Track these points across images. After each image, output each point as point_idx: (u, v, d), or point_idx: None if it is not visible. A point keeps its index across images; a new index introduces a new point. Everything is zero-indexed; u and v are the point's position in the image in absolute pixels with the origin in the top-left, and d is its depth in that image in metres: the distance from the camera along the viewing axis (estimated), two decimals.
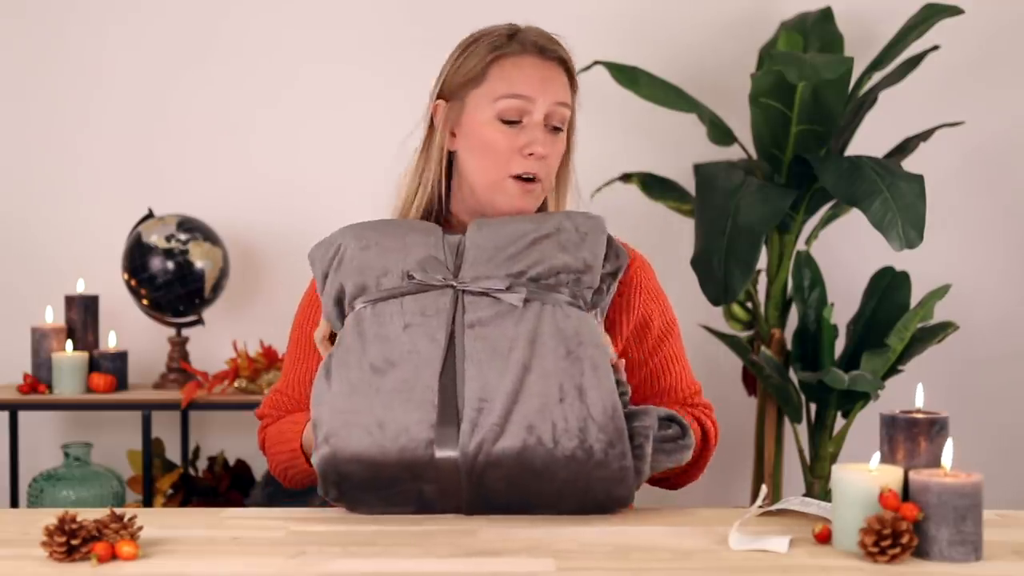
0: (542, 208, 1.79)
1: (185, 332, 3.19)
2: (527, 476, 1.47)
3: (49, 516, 1.43)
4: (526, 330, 1.51)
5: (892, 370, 2.78)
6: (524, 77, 1.70)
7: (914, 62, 2.90)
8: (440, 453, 1.46)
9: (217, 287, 3.09)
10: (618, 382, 1.53)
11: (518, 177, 1.70)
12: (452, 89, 1.74)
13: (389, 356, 1.51)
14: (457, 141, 1.74)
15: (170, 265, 3.02)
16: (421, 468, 1.46)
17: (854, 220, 3.02)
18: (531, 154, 1.69)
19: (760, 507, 1.55)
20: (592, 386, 1.48)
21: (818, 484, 2.88)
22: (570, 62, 1.76)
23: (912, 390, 1.48)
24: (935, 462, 1.38)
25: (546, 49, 1.73)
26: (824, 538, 1.42)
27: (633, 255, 1.78)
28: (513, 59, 1.72)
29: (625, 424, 1.48)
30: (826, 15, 3.01)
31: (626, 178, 3.06)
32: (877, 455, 1.41)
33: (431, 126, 1.77)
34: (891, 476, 1.37)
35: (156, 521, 1.51)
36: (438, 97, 1.76)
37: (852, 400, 2.79)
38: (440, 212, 1.78)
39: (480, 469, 1.46)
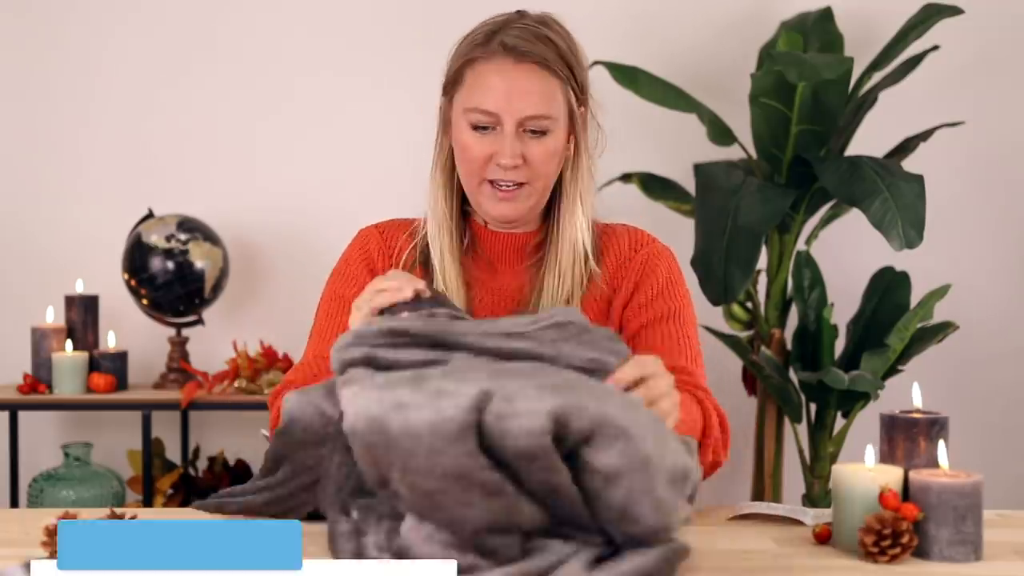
0: (551, 209, 1.72)
1: (185, 332, 3.19)
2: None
3: (49, 516, 1.43)
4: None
5: (892, 370, 2.78)
6: (490, 90, 1.63)
7: (914, 62, 2.90)
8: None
9: (217, 287, 3.09)
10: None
11: (494, 183, 1.66)
12: (445, 87, 1.71)
13: None
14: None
15: (170, 265, 3.02)
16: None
17: (854, 220, 3.02)
18: (501, 164, 1.64)
19: (729, 518, 1.55)
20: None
21: (818, 484, 2.88)
22: (557, 62, 1.65)
23: (912, 390, 1.48)
24: (935, 462, 1.39)
25: (523, 52, 1.63)
26: (824, 538, 1.42)
27: (642, 243, 1.75)
28: (483, 65, 1.64)
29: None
30: (826, 15, 3.01)
31: (626, 178, 3.06)
32: (870, 449, 1.41)
33: (441, 125, 1.73)
34: (891, 476, 1.37)
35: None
36: (443, 93, 1.72)
37: (852, 400, 2.79)
38: (459, 212, 1.74)
39: None
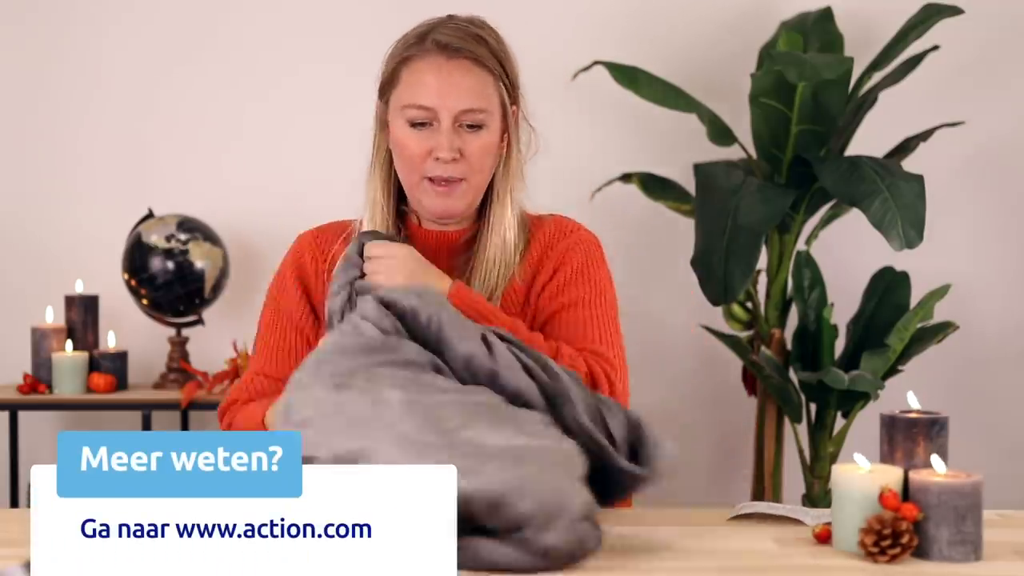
0: (483, 207, 1.76)
1: (185, 332, 3.19)
2: None
3: None
4: None
5: (892, 370, 2.78)
6: (424, 86, 1.68)
7: (914, 62, 2.90)
8: None
9: (217, 287, 3.09)
10: None
11: (434, 179, 1.70)
12: (381, 89, 1.76)
13: None
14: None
15: (170, 265, 3.02)
16: None
17: (854, 220, 3.02)
18: (439, 158, 1.68)
19: (729, 518, 1.55)
20: None
21: (818, 484, 2.88)
22: (488, 58, 1.70)
23: (912, 390, 1.48)
24: None
25: (455, 48, 1.69)
26: (824, 538, 1.42)
27: (567, 231, 1.77)
28: (418, 63, 1.70)
29: None
30: (826, 15, 3.01)
31: (626, 178, 3.05)
32: (860, 457, 1.40)
33: (378, 126, 1.78)
34: (891, 476, 1.37)
35: None
36: (379, 96, 1.77)
37: (852, 400, 2.79)
38: (396, 211, 1.78)
39: None
